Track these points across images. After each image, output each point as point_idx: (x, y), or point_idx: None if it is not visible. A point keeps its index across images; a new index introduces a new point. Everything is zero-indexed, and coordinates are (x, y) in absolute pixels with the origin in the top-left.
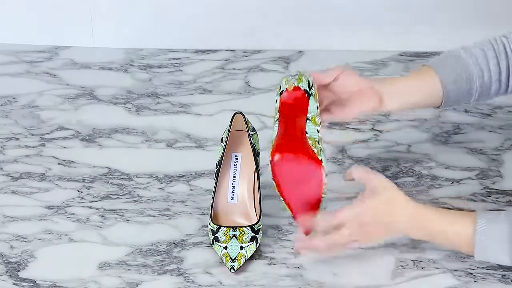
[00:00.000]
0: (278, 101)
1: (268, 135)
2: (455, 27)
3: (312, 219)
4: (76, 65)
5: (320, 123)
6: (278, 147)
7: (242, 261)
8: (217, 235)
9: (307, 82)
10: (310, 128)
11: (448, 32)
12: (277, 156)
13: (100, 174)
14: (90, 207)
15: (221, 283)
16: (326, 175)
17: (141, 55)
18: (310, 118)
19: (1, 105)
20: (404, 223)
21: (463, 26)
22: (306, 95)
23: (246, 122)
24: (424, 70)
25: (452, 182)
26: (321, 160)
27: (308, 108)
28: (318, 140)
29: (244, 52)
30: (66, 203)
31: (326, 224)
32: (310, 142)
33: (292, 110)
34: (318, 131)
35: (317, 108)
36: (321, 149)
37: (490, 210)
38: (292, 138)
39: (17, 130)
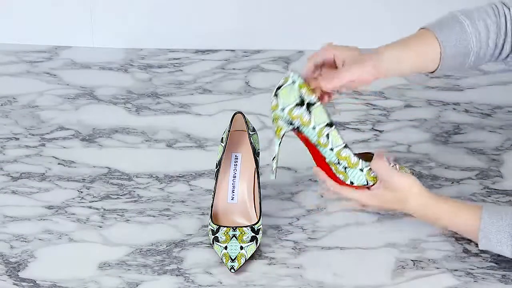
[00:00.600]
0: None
1: (268, 135)
2: None
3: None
4: (76, 65)
5: (328, 134)
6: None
7: (242, 261)
8: (217, 235)
9: (295, 100)
10: (323, 151)
11: None
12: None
13: (100, 174)
14: (90, 207)
15: (221, 283)
16: (368, 185)
17: (141, 55)
18: (316, 142)
19: (1, 105)
20: (414, 210)
21: None
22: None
23: (246, 122)
24: (425, 36)
25: (452, 182)
26: (352, 183)
27: (309, 134)
28: (338, 160)
29: (244, 52)
30: (66, 203)
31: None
32: (333, 168)
33: (304, 144)
34: (332, 150)
35: (320, 115)
36: (345, 168)
37: None
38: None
39: (17, 130)
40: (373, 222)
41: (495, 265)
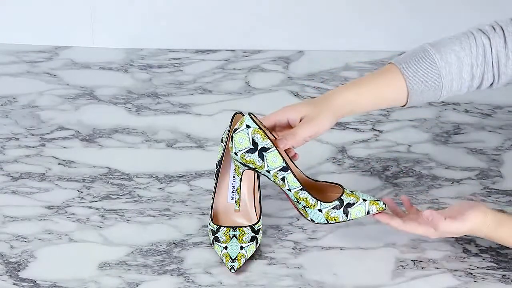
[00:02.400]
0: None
1: None
2: (454, 26)
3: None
4: (76, 65)
5: (283, 177)
6: None
7: (242, 261)
8: (217, 235)
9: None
10: (283, 189)
11: (448, 31)
12: None
13: (100, 174)
14: (90, 207)
15: (221, 283)
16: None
17: (141, 55)
18: (274, 182)
19: (1, 105)
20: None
21: (463, 24)
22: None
23: None
24: (391, 73)
25: (452, 182)
26: (312, 220)
27: (265, 175)
28: (297, 200)
29: (244, 52)
30: (66, 203)
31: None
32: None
33: None
34: (290, 190)
35: (274, 159)
36: (304, 207)
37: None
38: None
39: (17, 130)
40: (373, 222)
41: (495, 265)
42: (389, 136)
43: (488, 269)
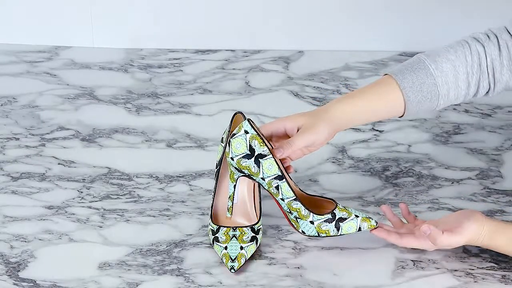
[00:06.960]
0: None
1: None
2: (455, 26)
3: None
4: (76, 65)
5: (277, 186)
6: None
7: (242, 261)
8: (217, 235)
9: (247, 147)
10: (277, 199)
11: (448, 31)
12: None
13: (100, 174)
14: (90, 207)
15: (221, 283)
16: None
17: (141, 55)
18: (268, 190)
19: (1, 105)
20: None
21: (463, 24)
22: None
23: None
24: (387, 85)
25: (452, 182)
26: (303, 231)
27: (260, 182)
28: (289, 210)
29: (244, 52)
30: (66, 203)
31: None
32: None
33: None
34: (283, 200)
35: (270, 167)
36: (297, 218)
37: (491, 210)
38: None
39: (17, 130)
40: None
41: (495, 265)
42: (389, 136)
43: (488, 269)
